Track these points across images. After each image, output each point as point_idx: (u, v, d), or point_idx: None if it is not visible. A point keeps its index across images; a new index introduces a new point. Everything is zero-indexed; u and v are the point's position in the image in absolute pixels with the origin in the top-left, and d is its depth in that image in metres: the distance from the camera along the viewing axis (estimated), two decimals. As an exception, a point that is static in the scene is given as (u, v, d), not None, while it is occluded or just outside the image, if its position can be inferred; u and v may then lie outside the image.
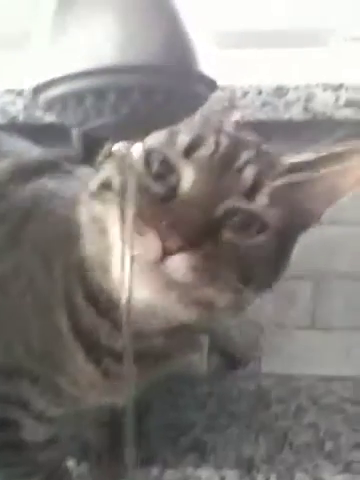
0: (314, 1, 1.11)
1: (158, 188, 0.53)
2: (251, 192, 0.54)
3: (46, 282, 0.65)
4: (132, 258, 0.46)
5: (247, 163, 0.55)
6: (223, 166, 0.54)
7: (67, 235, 0.63)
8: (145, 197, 0.45)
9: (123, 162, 0.39)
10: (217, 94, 0.92)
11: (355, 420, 1.02)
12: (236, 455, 0.90)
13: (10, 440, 0.71)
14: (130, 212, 0.40)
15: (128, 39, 0.33)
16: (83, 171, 0.58)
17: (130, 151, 0.39)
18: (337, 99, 0.94)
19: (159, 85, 0.34)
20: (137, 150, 0.40)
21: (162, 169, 0.54)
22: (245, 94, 0.93)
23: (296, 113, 0.94)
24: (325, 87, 0.94)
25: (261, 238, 0.55)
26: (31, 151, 0.82)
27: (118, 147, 0.39)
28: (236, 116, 0.67)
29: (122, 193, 0.40)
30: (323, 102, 0.94)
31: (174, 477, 0.87)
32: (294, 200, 0.57)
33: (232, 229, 0.53)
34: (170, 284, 0.50)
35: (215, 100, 0.92)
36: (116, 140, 0.39)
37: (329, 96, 0.94)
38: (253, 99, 0.93)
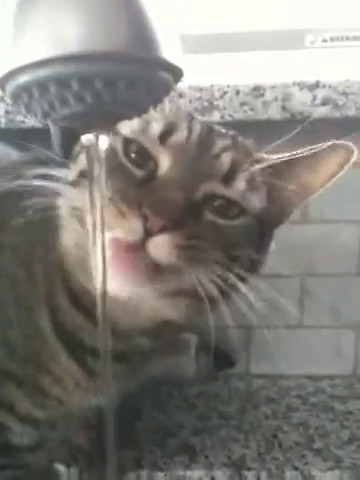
0: (291, 3, 1.12)
1: (138, 172, 0.54)
2: (228, 178, 0.56)
3: (27, 285, 0.65)
4: (115, 243, 0.46)
5: (224, 150, 0.56)
6: (199, 151, 0.55)
7: (47, 235, 0.63)
8: (125, 180, 0.45)
9: (90, 153, 0.40)
10: (196, 94, 0.94)
11: (344, 418, 1.02)
12: (226, 455, 0.90)
13: (-3, 444, 0.70)
14: (98, 200, 0.41)
15: (91, 27, 0.33)
16: (63, 172, 0.59)
17: (97, 142, 0.39)
18: (314, 98, 0.95)
19: (122, 73, 0.34)
20: (104, 142, 0.40)
21: (139, 156, 0.55)
22: (223, 94, 0.94)
23: (274, 113, 0.95)
24: (302, 86, 0.95)
25: (241, 220, 0.57)
26: (9, 154, 0.83)
27: (85, 138, 0.39)
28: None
29: (90, 183, 0.41)
30: (300, 101, 0.95)
31: (165, 479, 0.86)
32: (271, 186, 0.58)
33: (212, 211, 0.54)
34: (151, 271, 0.50)
35: (194, 99, 0.94)
36: (84, 131, 0.39)
37: (306, 95, 0.95)
38: (231, 99, 0.94)
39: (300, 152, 0.58)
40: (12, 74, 0.35)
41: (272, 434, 0.97)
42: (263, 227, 0.60)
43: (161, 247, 0.49)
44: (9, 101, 0.38)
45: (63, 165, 0.61)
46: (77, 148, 0.63)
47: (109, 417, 0.51)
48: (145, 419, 0.96)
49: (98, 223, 0.42)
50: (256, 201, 0.58)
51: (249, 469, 0.87)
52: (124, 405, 0.64)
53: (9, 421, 0.69)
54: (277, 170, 0.59)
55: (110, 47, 0.33)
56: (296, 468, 0.87)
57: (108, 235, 0.47)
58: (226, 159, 0.56)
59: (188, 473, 0.87)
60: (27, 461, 0.73)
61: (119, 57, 0.34)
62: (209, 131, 0.59)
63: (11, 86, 0.36)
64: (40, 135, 0.88)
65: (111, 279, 0.47)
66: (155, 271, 0.51)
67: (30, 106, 0.37)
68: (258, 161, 0.58)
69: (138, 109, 0.39)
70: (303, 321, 1.16)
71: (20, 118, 0.96)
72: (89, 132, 0.39)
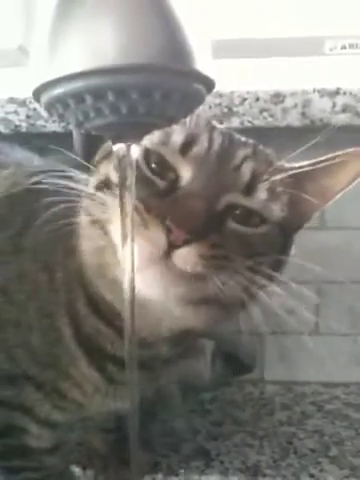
0: (311, 10, 1.12)
1: (159, 183, 0.54)
2: (249, 188, 0.56)
3: (48, 290, 0.65)
4: (140, 253, 0.46)
5: (244, 160, 0.57)
6: (220, 162, 0.56)
7: (67, 242, 0.64)
8: (148, 191, 0.46)
9: (123, 162, 0.40)
10: (216, 100, 0.94)
11: (359, 425, 1.02)
12: (241, 461, 0.90)
13: (16, 446, 0.71)
14: (130, 211, 0.41)
15: (127, 39, 0.33)
16: (83, 177, 0.59)
17: (129, 152, 0.40)
18: (334, 105, 0.95)
19: (157, 84, 0.34)
20: (135, 151, 0.40)
21: (159, 167, 0.55)
22: (243, 101, 0.94)
23: (293, 119, 0.95)
24: (322, 93, 0.95)
25: (263, 228, 0.57)
26: (32, 160, 0.83)
27: (117, 148, 0.40)
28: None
29: (121, 192, 0.41)
30: (320, 108, 0.95)
31: (179, 484, 0.86)
32: (292, 194, 0.58)
33: (235, 220, 0.55)
34: (177, 279, 0.50)
35: (214, 106, 0.94)
36: (116, 140, 0.40)
37: (326, 102, 0.95)
38: (251, 105, 0.94)
39: (320, 160, 0.59)
40: (48, 85, 0.35)
41: (287, 441, 0.96)
42: (285, 233, 0.60)
43: (186, 258, 0.49)
44: (44, 109, 0.38)
45: (86, 168, 0.61)
46: (97, 158, 0.63)
47: (133, 423, 0.51)
48: (160, 423, 0.96)
49: (129, 232, 0.42)
50: (277, 210, 0.58)
51: (264, 475, 0.86)
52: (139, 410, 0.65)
53: (28, 424, 0.70)
54: (297, 178, 0.59)
55: (146, 59, 0.34)
56: (312, 475, 0.86)
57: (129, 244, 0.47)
58: (247, 169, 0.56)
59: (203, 478, 0.87)
60: (44, 464, 0.74)
61: (155, 69, 0.34)
62: (230, 141, 0.60)
63: (46, 97, 0.36)
64: (61, 140, 0.89)
65: (137, 287, 0.47)
66: (180, 280, 0.51)
67: (64, 116, 0.38)
68: (279, 170, 0.58)
69: (170, 120, 0.39)
70: (319, 328, 1.15)
71: (41, 123, 0.97)
72: (121, 142, 0.40)
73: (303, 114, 0.95)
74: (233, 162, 0.56)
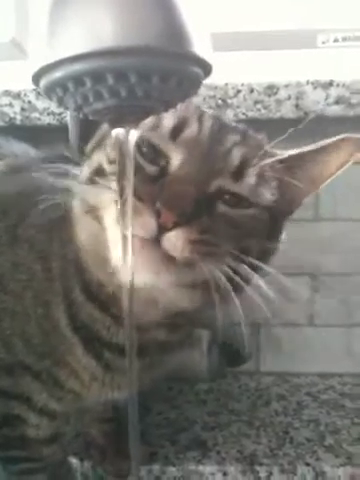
0: (303, 4, 1.13)
1: (150, 168, 0.55)
2: (238, 173, 0.56)
3: (44, 279, 0.66)
4: (131, 238, 0.47)
5: (234, 145, 0.57)
6: (210, 146, 0.56)
7: (62, 231, 0.64)
8: (138, 177, 0.46)
9: (121, 147, 0.40)
10: (210, 93, 0.94)
11: (355, 415, 1.03)
12: (238, 451, 0.91)
13: (14, 436, 0.71)
14: (129, 194, 0.41)
15: (125, 22, 0.33)
16: (78, 170, 0.59)
17: (128, 136, 0.40)
18: (327, 97, 0.96)
19: (156, 67, 0.35)
20: (134, 136, 0.41)
21: (151, 153, 0.55)
22: (237, 93, 0.95)
23: (287, 111, 0.96)
24: (315, 85, 0.96)
25: (252, 210, 0.58)
26: (27, 152, 0.84)
27: (116, 132, 0.40)
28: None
29: (120, 177, 0.41)
30: (314, 100, 0.96)
31: (176, 474, 0.87)
32: (281, 180, 0.59)
33: (225, 203, 0.55)
34: (167, 265, 0.51)
35: (208, 98, 0.94)
36: (114, 125, 0.40)
37: (319, 94, 0.96)
38: (245, 97, 0.95)
39: (310, 147, 0.59)
40: (47, 69, 0.36)
41: (283, 430, 0.97)
42: (274, 217, 0.61)
43: (175, 242, 0.49)
44: (43, 94, 0.38)
45: (80, 163, 0.61)
46: (90, 146, 0.64)
47: (133, 411, 0.52)
48: (156, 414, 0.97)
49: (129, 218, 0.42)
50: (266, 195, 0.59)
51: (261, 464, 0.87)
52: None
53: (26, 413, 0.70)
54: (287, 164, 0.60)
55: (144, 42, 0.34)
56: (308, 464, 0.87)
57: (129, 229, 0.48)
58: (236, 154, 0.57)
59: (200, 468, 0.87)
60: (42, 454, 0.74)
61: (153, 52, 0.34)
62: (220, 126, 0.60)
63: (46, 80, 0.37)
64: (55, 133, 0.89)
65: (133, 273, 0.48)
66: (170, 265, 0.51)
67: (63, 100, 0.38)
68: (269, 155, 0.59)
69: (168, 103, 0.39)
70: (313, 319, 1.16)
71: (36, 115, 0.97)
72: (119, 126, 0.40)
73: (297, 106, 0.95)
74: (223, 147, 0.57)
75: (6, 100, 0.99)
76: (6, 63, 1.05)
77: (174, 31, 0.35)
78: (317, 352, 1.18)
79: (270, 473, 0.87)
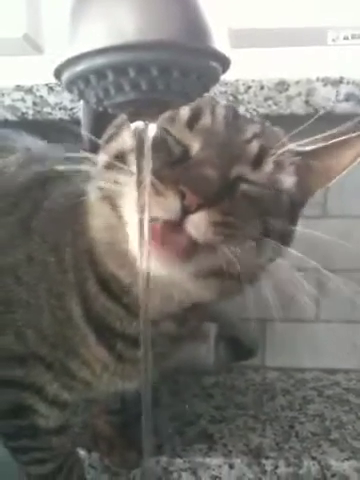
0: (313, 1, 1.13)
1: (171, 154, 0.55)
2: (257, 162, 0.57)
3: (58, 271, 0.66)
4: (153, 222, 0.47)
5: (255, 136, 0.58)
6: (229, 135, 0.57)
7: (76, 222, 0.65)
8: (160, 161, 0.47)
9: (140, 140, 0.41)
10: (221, 89, 0.95)
11: (359, 410, 1.04)
12: (244, 444, 0.91)
13: (24, 426, 0.72)
14: (147, 184, 0.42)
15: (147, 17, 0.34)
16: (90, 163, 0.60)
17: (147, 129, 0.41)
18: (337, 94, 0.97)
19: (176, 61, 0.36)
20: (153, 129, 0.41)
21: (169, 143, 0.56)
22: (248, 89, 0.96)
23: (298, 107, 0.96)
24: (325, 82, 0.96)
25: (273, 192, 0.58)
26: (40, 145, 0.84)
27: (135, 126, 0.41)
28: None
29: (140, 167, 0.42)
30: (324, 96, 0.96)
31: (183, 466, 0.88)
32: (297, 171, 0.61)
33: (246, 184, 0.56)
34: (190, 247, 0.51)
35: (219, 94, 0.95)
36: (134, 118, 0.41)
37: (330, 91, 0.96)
38: (256, 94, 0.95)
39: (327, 140, 0.60)
40: (70, 62, 0.36)
41: (289, 424, 0.98)
42: (292, 203, 0.61)
43: (199, 224, 0.49)
44: (64, 87, 0.39)
45: (91, 158, 0.62)
46: (105, 137, 0.64)
47: (146, 402, 0.52)
48: (163, 407, 0.98)
49: (146, 205, 0.43)
50: (284, 184, 0.60)
51: (267, 458, 0.88)
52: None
53: (37, 404, 0.71)
54: (304, 157, 0.61)
55: (165, 36, 0.35)
56: (313, 458, 0.88)
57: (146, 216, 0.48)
58: (256, 145, 0.58)
59: (207, 460, 0.88)
60: (52, 444, 0.75)
61: (175, 46, 0.35)
62: (235, 115, 0.61)
63: (68, 74, 0.37)
64: (67, 127, 0.90)
65: (151, 259, 0.48)
66: (192, 250, 0.51)
67: (85, 93, 0.39)
68: (286, 145, 0.60)
69: (187, 97, 0.40)
70: (319, 315, 1.17)
71: (47, 110, 0.98)
72: (138, 119, 0.41)
73: (307, 102, 0.96)
74: (244, 136, 0.58)
75: (18, 95, 0.99)
76: (18, 58, 1.06)
77: (195, 26, 0.36)
78: (322, 347, 1.19)
79: (276, 466, 0.88)
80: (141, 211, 0.44)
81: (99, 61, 0.35)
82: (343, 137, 0.60)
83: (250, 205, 0.55)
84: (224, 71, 0.40)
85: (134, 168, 0.53)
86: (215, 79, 0.40)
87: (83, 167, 0.57)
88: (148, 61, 0.35)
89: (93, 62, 0.36)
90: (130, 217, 0.54)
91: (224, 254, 0.52)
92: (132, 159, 0.54)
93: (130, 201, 0.52)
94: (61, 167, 0.58)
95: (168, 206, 0.49)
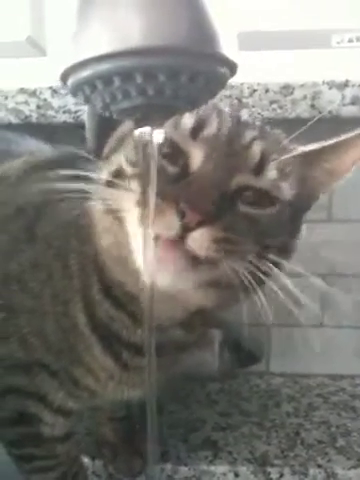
0: (317, 4, 1.13)
1: (171, 169, 0.55)
2: (259, 168, 0.57)
3: (62, 277, 0.66)
4: (155, 239, 0.47)
5: (253, 140, 0.57)
6: (230, 143, 0.56)
7: (80, 229, 0.64)
8: (160, 177, 0.46)
9: (145, 147, 0.40)
10: (226, 92, 0.94)
11: (366, 417, 1.03)
12: (249, 451, 0.91)
13: (29, 434, 0.71)
14: (152, 195, 0.41)
15: (154, 21, 0.33)
16: (94, 168, 0.59)
17: (152, 136, 0.40)
18: (343, 97, 0.96)
19: (184, 66, 0.35)
20: (159, 136, 0.40)
21: (171, 152, 0.55)
22: (253, 92, 0.95)
23: (303, 111, 0.96)
24: (331, 85, 0.95)
25: (274, 209, 0.58)
26: (43, 150, 0.84)
27: (141, 132, 0.40)
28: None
29: (144, 177, 0.41)
30: (329, 100, 0.95)
31: (188, 474, 0.87)
32: (300, 174, 0.60)
33: (245, 202, 0.55)
34: (190, 264, 0.51)
35: (223, 97, 0.94)
36: (140, 124, 0.40)
37: (335, 94, 0.96)
38: (261, 97, 0.94)
39: (328, 142, 0.60)
40: (77, 67, 0.36)
41: (294, 432, 0.97)
42: (294, 213, 0.61)
43: (200, 241, 0.49)
44: (70, 92, 0.38)
45: (96, 163, 0.61)
46: (108, 148, 0.64)
47: (151, 410, 0.52)
48: (167, 414, 0.97)
49: (150, 217, 0.42)
50: (287, 189, 0.59)
51: (272, 465, 0.87)
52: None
53: (41, 412, 0.70)
54: (306, 159, 0.60)
55: (173, 41, 0.34)
56: (319, 465, 0.87)
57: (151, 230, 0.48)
58: (256, 150, 0.57)
59: (212, 468, 0.87)
60: (56, 452, 0.74)
61: (181, 51, 0.34)
62: (238, 122, 0.60)
63: (74, 79, 0.37)
64: (71, 130, 0.89)
65: (154, 270, 0.48)
66: (194, 264, 0.51)
67: (91, 98, 0.38)
68: (288, 150, 0.59)
69: (194, 103, 0.39)
70: (324, 320, 1.16)
71: (51, 113, 0.97)
72: (144, 125, 0.40)
73: (312, 106, 0.95)
74: (242, 142, 0.57)
75: (22, 98, 0.99)
76: (22, 61, 1.05)
77: (202, 31, 0.35)
78: (328, 353, 1.18)
79: (281, 474, 0.87)
80: (145, 226, 0.44)
81: (105, 66, 0.35)
82: (347, 136, 0.59)
83: (251, 224, 0.55)
84: (231, 75, 0.39)
85: (134, 185, 0.53)
86: (222, 85, 0.39)
87: (82, 186, 0.56)
88: (155, 66, 0.34)
89: (99, 67, 0.35)
90: (134, 231, 0.53)
91: (225, 268, 0.52)
92: (134, 174, 0.54)
93: (133, 215, 0.52)
94: (60, 186, 0.57)
95: (168, 224, 0.48)
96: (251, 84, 0.95)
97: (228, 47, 0.37)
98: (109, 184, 0.57)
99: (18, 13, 1.09)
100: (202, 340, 0.73)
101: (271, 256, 0.55)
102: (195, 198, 0.49)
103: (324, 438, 0.95)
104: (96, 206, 0.60)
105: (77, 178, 0.59)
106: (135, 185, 0.53)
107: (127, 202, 0.53)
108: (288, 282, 0.54)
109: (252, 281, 0.53)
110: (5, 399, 0.70)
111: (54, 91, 0.98)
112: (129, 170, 0.56)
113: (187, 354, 0.71)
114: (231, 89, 0.94)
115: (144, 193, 0.42)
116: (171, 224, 0.48)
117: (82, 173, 0.56)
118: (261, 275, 0.54)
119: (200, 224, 0.48)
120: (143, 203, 0.43)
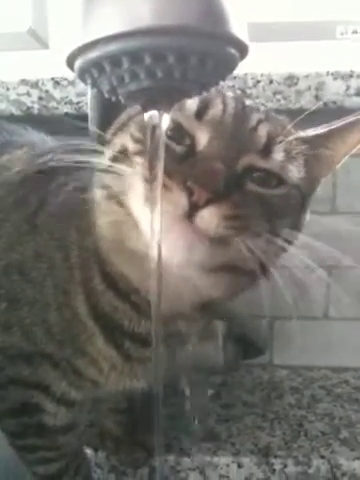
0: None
1: (177, 148, 0.54)
2: (266, 150, 0.56)
3: (64, 268, 0.65)
4: (162, 216, 0.46)
5: (259, 122, 0.57)
6: (236, 125, 0.56)
7: (82, 219, 0.64)
8: (167, 156, 0.46)
9: (153, 131, 0.40)
10: (230, 83, 0.93)
11: (369, 409, 1.03)
12: (252, 443, 0.90)
13: (32, 424, 0.71)
14: (160, 173, 0.41)
15: (163, 1, 0.33)
16: (96, 159, 0.59)
17: (161, 120, 0.40)
18: (348, 88, 0.95)
19: (193, 47, 0.34)
20: (166, 120, 0.40)
21: (176, 133, 0.55)
22: (257, 83, 0.94)
23: (307, 102, 0.95)
24: (335, 76, 0.95)
25: (282, 190, 0.57)
26: (46, 141, 0.83)
27: (149, 115, 0.40)
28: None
29: (152, 158, 0.41)
30: (334, 91, 0.95)
31: (191, 465, 0.87)
32: (306, 157, 0.60)
33: (253, 181, 0.55)
34: (199, 244, 0.50)
35: (227, 88, 0.93)
36: (147, 107, 0.39)
37: (340, 85, 0.95)
38: (265, 88, 0.94)
39: (332, 126, 0.60)
40: (84, 49, 0.35)
41: (298, 423, 0.97)
42: (302, 195, 0.61)
43: (209, 219, 0.48)
44: (77, 76, 0.38)
45: (99, 153, 0.61)
46: (112, 130, 0.63)
47: (157, 401, 0.51)
48: (170, 405, 0.97)
49: (158, 198, 0.42)
50: (294, 171, 0.59)
51: (276, 457, 0.87)
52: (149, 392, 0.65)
53: (44, 402, 0.70)
54: (311, 142, 0.60)
55: (182, 21, 0.33)
56: (323, 457, 0.87)
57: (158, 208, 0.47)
58: (262, 131, 0.57)
59: (215, 459, 0.87)
60: (59, 443, 0.74)
61: (191, 31, 0.34)
62: (242, 105, 0.60)
63: (81, 61, 0.36)
64: (73, 122, 0.88)
65: (165, 251, 0.47)
66: (203, 243, 0.51)
67: (98, 81, 0.37)
68: (292, 133, 0.59)
69: (203, 86, 0.39)
70: (328, 312, 1.16)
71: (53, 104, 0.97)
72: (152, 109, 0.40)
73: (317, 97, 0.94)
74: (249, 124, 0.57)
75: (23, 89, 0.98)
76: (24, 52, 1.05)
77: (211, 11, 0.34)
78: (331, 346, 1.18)
79: (285, 465, 0.87)
80: (153, 202, 0.43)
81: (114, 47, 0.34)
82: (348, 120, 0.59)
83: (260, 203, 0.54)
84: (242, 58, 0.38)
85: (140, 161, 0.52)
86: (232, 67, 0.38)
87: (89, 158, 0.55)
88: (164, 47, 0.34)
89: (108, 48, 0.34)
90: (139, 212, 0.53)
91: (235, 248, 0.51)
92: (139, 152, 0.53)
93: (138, 195, 0.52)
94: (67, 157, 0.57)
95: (175, 201, 0.48)
96: (255, 75, 0.94)
97: (239, 28, 0.36)
98: (111, 168, 0.56)
99: (19, 4, 1.08)
100: (205, 333, 0.72)
101: (286, 231, 0.55)
102: (203, 176, 0.49)
103: (327, 430, 0.95)
104: (98, 194, 0.60)
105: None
106: (141, 161, 0.52)
107: (132, 180, 0.53)
108: (304, 257, 0.54)
109: (267, 260, 0.53)
110: (8, 389, 0.70)
111: (56, 82, 0.98)
112: (134, 147, 0.55)
113: (190, 346, 0.70)
114: (235, 80, 0.93)
115: (151, 170, 0.42)
116: (179, 202, 0.48)
117: (88, 146, 0.56)
118: (274, 251, 0.54)
119: (208, 202, 0.48)
120: (150, 180, 0.43)
